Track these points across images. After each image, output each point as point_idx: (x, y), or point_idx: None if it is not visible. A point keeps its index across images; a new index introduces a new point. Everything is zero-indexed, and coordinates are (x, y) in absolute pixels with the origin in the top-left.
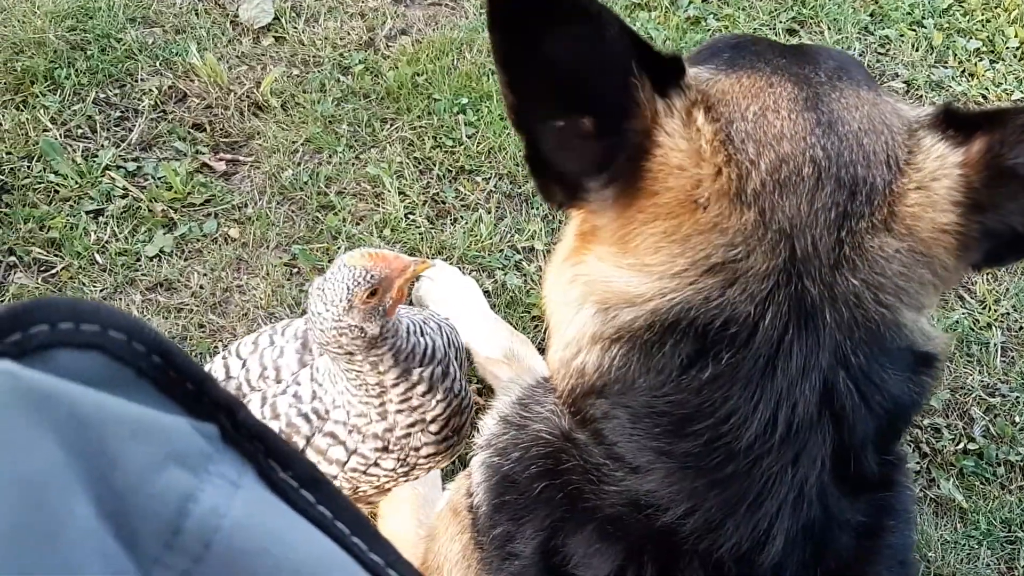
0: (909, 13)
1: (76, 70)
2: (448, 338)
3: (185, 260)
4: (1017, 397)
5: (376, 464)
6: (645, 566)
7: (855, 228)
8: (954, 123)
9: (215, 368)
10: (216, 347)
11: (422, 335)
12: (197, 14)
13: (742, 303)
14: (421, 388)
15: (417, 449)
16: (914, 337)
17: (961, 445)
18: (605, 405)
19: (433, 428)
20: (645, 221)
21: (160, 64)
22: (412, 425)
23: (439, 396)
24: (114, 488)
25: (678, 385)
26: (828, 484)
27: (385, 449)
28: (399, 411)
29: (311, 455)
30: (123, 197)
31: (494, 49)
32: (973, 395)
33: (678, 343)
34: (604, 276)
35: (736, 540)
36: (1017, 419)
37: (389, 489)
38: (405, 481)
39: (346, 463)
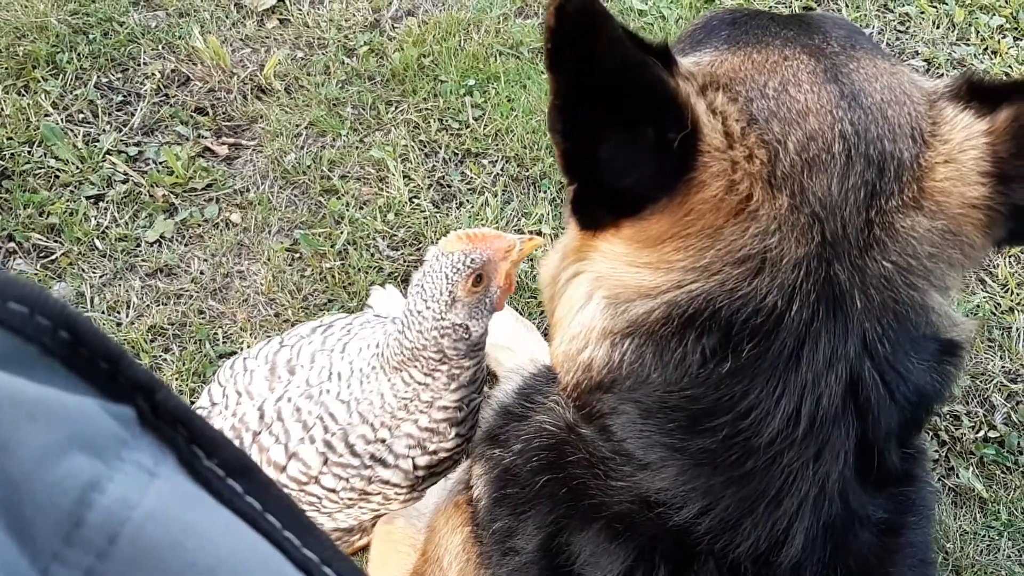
0: None
1: (78, 54)
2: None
3: (185, 246)
4: None
5: (317, 481)
6: (657, 567)
7: (885, 207)
8: (977, 94)
9: (201, 398)
10: (215, 333)
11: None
12: None
13: (770, 293)
14: (457, 416)
15: (384, 463)
16: (940, 322)
17: (981, 433)
18: (613, 400)
19: (422, 461)
20: (690, 221)
21: (163, 47)
22: (409, 447)
23: (463, 431)
24: (6, 475)
25: (695, 379)
26: (850, 480)
27: (326, 461)
28: (409, 435)
29: (255, 455)
30: (124, 182)
31: (558, 91)
32: (994, 381)
33: (699, 337)
34: (615, 271)
35: (754, 540)
36: None
37: (346, 530)
38: (351, 514)
39: (285, 467)
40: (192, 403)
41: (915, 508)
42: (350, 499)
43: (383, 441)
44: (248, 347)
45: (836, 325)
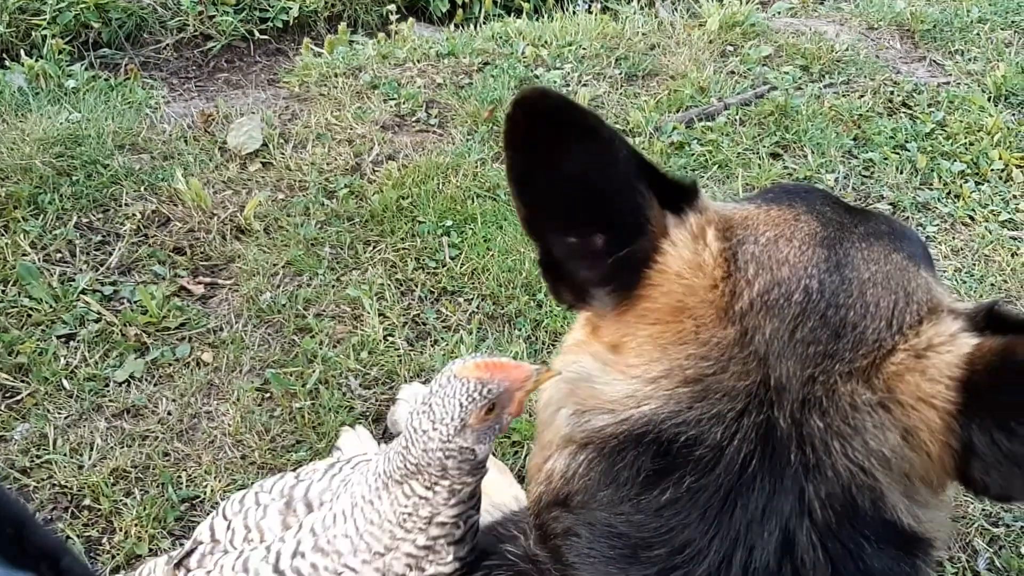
0: (892, 137)
1: (60, 195)
2: None
3: (155, 385)
4: (1022, 527)
5: None
6: None
7: (831, 369)
8: (993, 322)
9: (203, 530)
10: (179, 476)
11: None
12: (186, 141)
13: (709, 422)
14: (454, 534)
15: None
16: (897, 514)
17: None
18: (568, 520)
19: None
20: (636, 324)
21: (145, 189)
22: (408, 568)
23: (461, 553)
24: None
25: (637, 504)
26: None
27: None
28: (408, 555)
29: None
30: (97, 321)
31: (508, 167)
32: (975, 524)
33: (641, 455)
34: (588, 375)
35: None
36: (1023, 550)
37: None
38: None
39: None
40: (150, 550)
41: None
42: None
43: (390, 570)
44: (219, 494)
45: (773, 475)
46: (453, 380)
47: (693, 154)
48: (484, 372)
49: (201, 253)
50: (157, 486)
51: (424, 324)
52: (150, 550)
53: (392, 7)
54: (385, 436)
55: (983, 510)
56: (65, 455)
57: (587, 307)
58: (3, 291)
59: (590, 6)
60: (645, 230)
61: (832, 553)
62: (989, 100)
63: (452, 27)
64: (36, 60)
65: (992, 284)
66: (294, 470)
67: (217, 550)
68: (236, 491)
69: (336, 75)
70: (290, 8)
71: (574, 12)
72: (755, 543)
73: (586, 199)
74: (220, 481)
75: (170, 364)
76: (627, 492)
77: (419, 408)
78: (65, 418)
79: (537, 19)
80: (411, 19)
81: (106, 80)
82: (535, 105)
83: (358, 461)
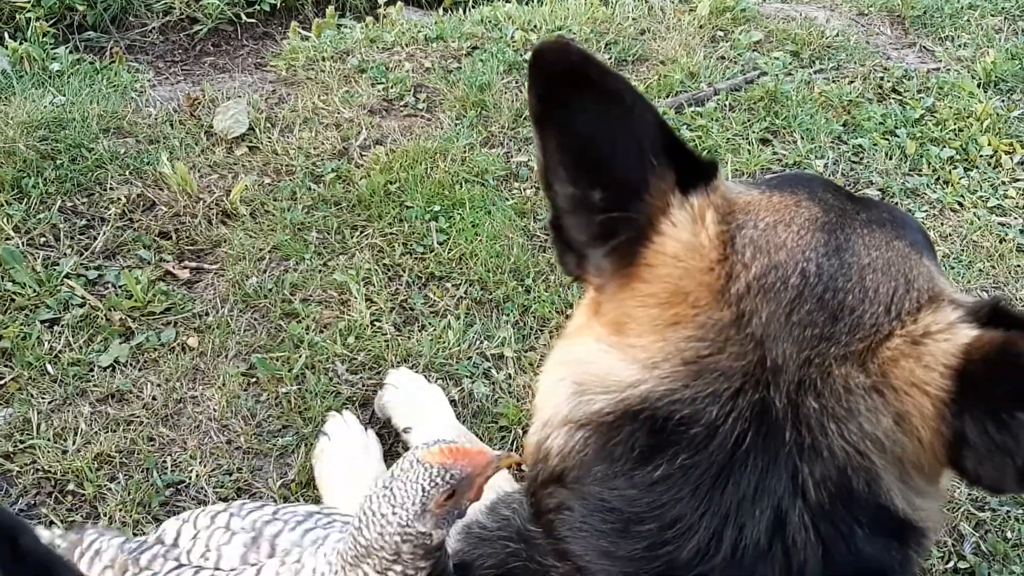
0: (882, 123)
1: (44, 179)
2: None
3: (139, 370)
4: (1008, 512)
5: None
6: None
7: (826, 352)
8: (995, 318)
9: (168, 528)
10: (164, 461)
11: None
12: (172, 125)
13: (704, 400)
14: None
15: None
16: (891, 498)
17: (951, 563)
18: (562, 494)
19: None
20: (636, 305)
21: (130, 173)
22: None
23: None
24: None
25: (631, 479)
26: None
27: None
28: None
29: None
30: (81, 306)
31: (530, 107)
32: (962, 509)
33: (636, 431)
34: (590, 356)
35: None
36: (1009, 535)
37: None
38: None
39: None
40: (135, 535)
41: None
42: None
43: None
44: (205, 479)
45: (766, 454)
46: (416, 465)
47: (683, 139)
48: (448, 458)
49: (187, 237)
50: (142, 471)
51: (412, 309)
52: (135, 535)
53: None
54: (372, 421)
55: (969, 495)
56: (49, 440)
57: (586, 274)
58: None
59: None
60: (647, 198)
61: (824, 534)
62: (979, 86)
63: (441, 11)
64: (20, 43)
65: (980, 270)
66: (272, 507)
67: (171, 555)
68: (222, 479)
69: (324, 59)
70: None
71: None
72: (746, 521)
73: (593, 155)
74: (205, 466)
75: (155, 349)
76: (621, 467)
77: (378, 492)
78: (49, 403)
79: (526, 3)
80: (399, 2)
81: (91, 63)
82: (553, 60)
83: (334, 519)
